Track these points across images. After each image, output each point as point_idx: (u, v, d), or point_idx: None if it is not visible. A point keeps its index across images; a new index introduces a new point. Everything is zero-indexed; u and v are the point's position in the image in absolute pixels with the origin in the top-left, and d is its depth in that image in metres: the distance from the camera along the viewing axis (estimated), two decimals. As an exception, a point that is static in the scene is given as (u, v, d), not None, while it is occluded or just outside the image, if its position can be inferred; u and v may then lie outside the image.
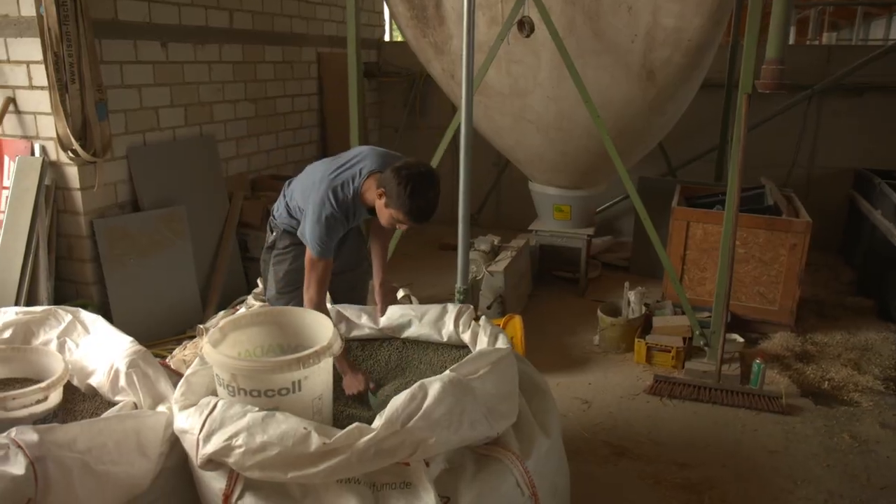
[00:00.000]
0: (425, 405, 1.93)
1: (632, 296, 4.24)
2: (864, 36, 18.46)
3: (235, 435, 1.87)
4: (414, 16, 4.29)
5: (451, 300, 4.88)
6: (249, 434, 1.86)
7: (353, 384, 2.53)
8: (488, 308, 4.30)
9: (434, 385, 1.99)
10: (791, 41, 10.67)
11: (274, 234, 3.14)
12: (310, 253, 2.70)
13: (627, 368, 3.98)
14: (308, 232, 2.70)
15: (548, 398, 2.50)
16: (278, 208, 3.09)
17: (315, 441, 1.83)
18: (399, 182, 2.46)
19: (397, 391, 2.38)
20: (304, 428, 1.85)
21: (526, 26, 3.73)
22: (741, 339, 4.09)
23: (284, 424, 1.87)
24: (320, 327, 2.32)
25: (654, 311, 4.33)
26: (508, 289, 4.39)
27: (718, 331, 3.74)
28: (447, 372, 2.09)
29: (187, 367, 3.33)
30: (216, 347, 2.15)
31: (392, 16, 4.50)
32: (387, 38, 7.54)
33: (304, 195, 2.81)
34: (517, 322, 3.71)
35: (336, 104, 6.05)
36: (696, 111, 5.01)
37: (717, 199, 4.63)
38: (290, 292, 3.07)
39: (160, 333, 4.03)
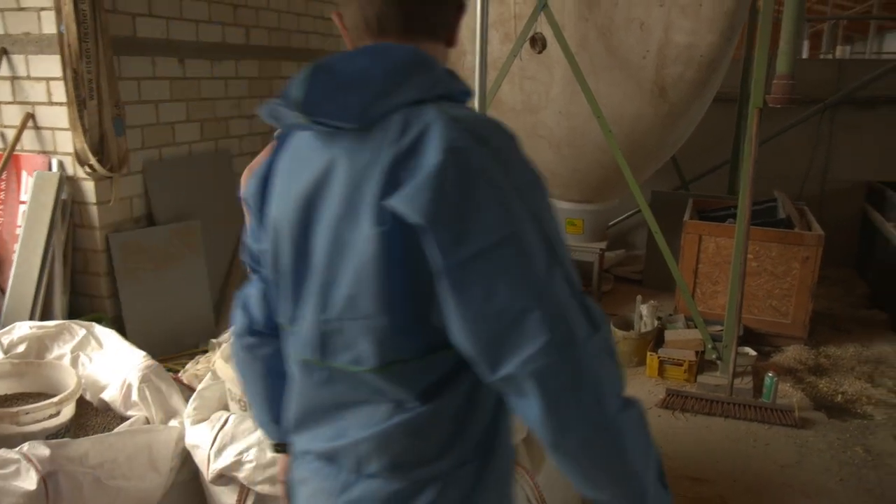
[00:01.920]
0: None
1: (644, 309, 4.23)
2: (878, 49, 18.42)
3: (246, 450, 1.89)
4: (425, 32, 4.33)
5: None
6: (260, 449, 1.88)
7: None
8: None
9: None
10: (805, 55, 10.65)
11: None
12: None
13: (640, 382, 3.97)
14: None
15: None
16: None
17: (325, 456, 1.84)
18: None
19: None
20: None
21: (538, 42, 3.76)
22: (753, 353, 4.08)
23: (295, 439, 1.88)
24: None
25: (666, 325, 4.32)
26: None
27: (730, 344, 3.73)
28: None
29: (199, 382, 3.40)
30: (228, 362, 2.18)
31: (404, 32, 4.54)
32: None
33: None
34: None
35: (349, 119, 6.10)
36: (708, 125, 5.02)
37: (730, 212, 4.62)
38: None
39: (173, 348, 4.06)
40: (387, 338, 0.97)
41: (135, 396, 2.35)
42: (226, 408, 2.18)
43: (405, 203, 0.89)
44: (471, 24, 4.15)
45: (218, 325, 4.34)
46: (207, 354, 3.74)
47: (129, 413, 2.38)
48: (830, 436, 3.36)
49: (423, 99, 0.97)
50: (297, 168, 1.06)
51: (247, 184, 1.20)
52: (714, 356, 3.88)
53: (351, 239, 0.95)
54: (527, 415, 0.94)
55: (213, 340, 3.94)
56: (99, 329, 2.69)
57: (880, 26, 18.20)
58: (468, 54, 4.31)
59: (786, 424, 3.43)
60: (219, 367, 2.12)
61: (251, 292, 1.29)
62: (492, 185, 0.90)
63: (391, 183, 0.91)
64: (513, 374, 0.90)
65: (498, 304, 0.89)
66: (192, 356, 3.96)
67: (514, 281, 0.89)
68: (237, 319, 1.29)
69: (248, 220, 1.22)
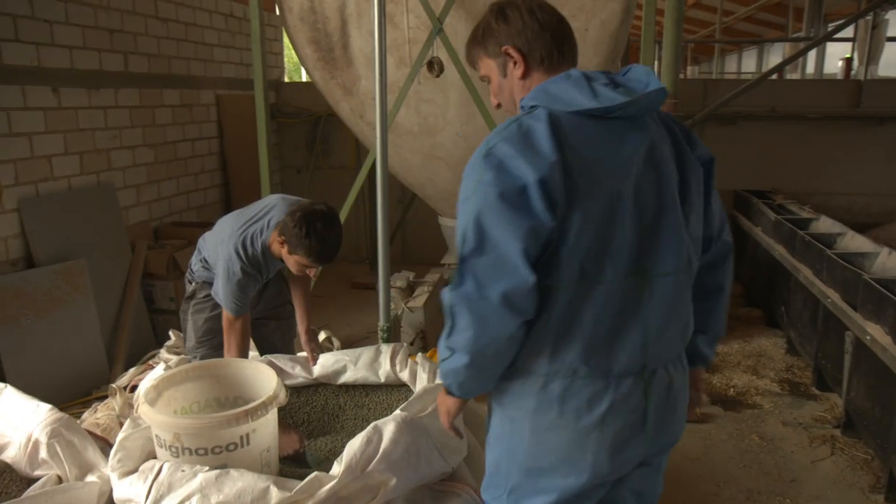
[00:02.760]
0: (382, 447, 1.92)
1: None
2: (721, 69, 20.25)
3: (188, 498, 1.79)
4: (321, 57, 4.31)
5: (368, 338, 4.89)
6: (203, 496, 1.79)
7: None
8: (411, 344, 4.31)
9: (388, 426, 1.99)
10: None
11: (193, 285, 3.03)
12: (226, 313, 2.63)
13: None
14: (221, 291, 2.62)
15: (491, 429, 2.54)
16: (195, 262, 2.99)
17: (275, 495, 1.78)
18: (295, 225, 2.43)
19: (334, 445, 2.36)
20: (263, 482, 1.80)
21: (436, 66, 3.83)
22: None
23: (241, 481, 1.81)
24: (262, 377, 2.27)
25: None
26: (428, 324, 4.42)
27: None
28: (397, 412, 2.09)
29: (101, 431, 3.16)
30: (153, 406, 2.06)
31: (299, 58, 4.49)
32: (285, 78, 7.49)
33: (215, 252, 2.73)
34: (442, 356, 3.74)
35: (238, 147, 5.93)
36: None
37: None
38: (210, 340, 2.95)
39: (64, 397, 3.75)
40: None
41: (43, 454, 2.15)
42: (153, 456, 2.05)
43: (704, 152, 1.67)
44: (366, 49, 4.18)
45: (112, 368, 4.06)
46: (107, 401, 3.50)
47: (37, 473, 2.18)
48: (729, 427, 3.62)
49: None
50: (612, 146, 1.46)
51: (536, 166, 1.37)
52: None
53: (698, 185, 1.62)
54: None
55: (114, 385, 3.70)
56: (-9, 384, 2.45)
57: (722, 49, 20.04)
58: (362, 79, 4.32)
59: (690, 420, 3.61)
60: (143, 411, 1.98)
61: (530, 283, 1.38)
62: None
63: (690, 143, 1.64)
64: None
65: None
66: (86, 404, 3.69)
67: None
68: (525, 310, 1.41)
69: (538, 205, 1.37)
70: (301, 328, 2.95)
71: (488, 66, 1.63)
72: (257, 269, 2.62)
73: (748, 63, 20.25)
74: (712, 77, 15.95)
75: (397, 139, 4.49)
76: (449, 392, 1.57)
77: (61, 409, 3.57)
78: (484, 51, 1.62)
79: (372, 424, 1.99)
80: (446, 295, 1.42)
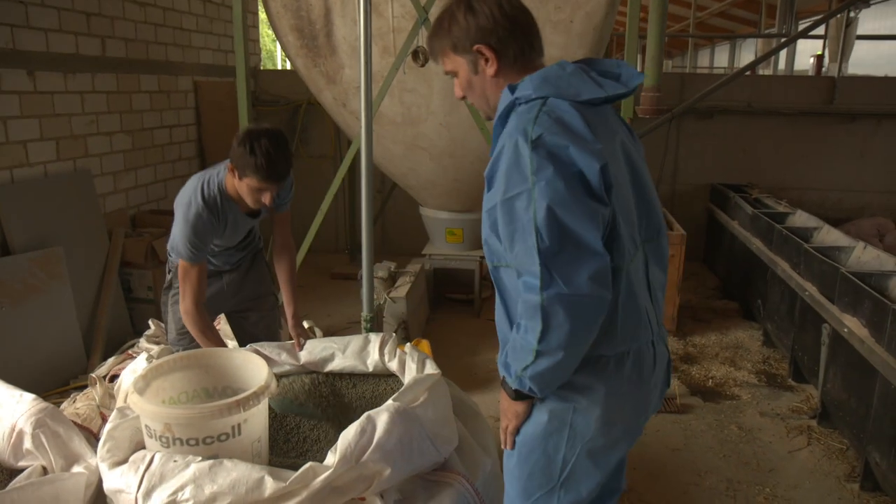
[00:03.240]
0: (376, 437, 1.92)
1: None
2: (695, 63, 20.49)
3: (181, 489, 1.77)
4: (304, 45, 4.26)
5: (349, 329, 4.87)
6: (197, 486, 1.77)
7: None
8: (393, 334, 4.29)
9: (381, 416, 1.98)
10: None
11: (171, 273, 2.98)
12: (182, 262, 2.56)
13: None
14: (178, 236, 2.55)
15: (481, 420, 2.56)
16: (171, 243, 2.94)
17: (270, 485, 1.77)
18: (240, 143, 2.39)
19: (320, 433, 2.35)
20: (258, 472, 1.79)
21: (420, 56, 3.82)
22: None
23: (235, 472, 1.79)
24: (252, 366, 2.25)
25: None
26: (410, 314, 4.42)
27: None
28: (390, 402, 2.09)
29: (81, 421, 3.11)
30: (142, 396, 2.03)
31: (281, 45, 4.44)
32: (261, 66, 7.39)
33: (177, 208, 2.64)
34: (425, 346, 3.74)
35: (215, 134, 5.85)
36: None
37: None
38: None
39: (41, 387, 3.67)
40: None
41: (28, 444, 2.11)
42: (141, 446, 2.02)
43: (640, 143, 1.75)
44: (350, 38, 4.14)
45: (90, 358, 4.00)
46: (86, 391, 3.44)
47: (21, 464, 2.14)
48: (708, 417, 3.68)
49: None
50: (608, 132, 1.53)
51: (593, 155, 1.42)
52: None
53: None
54: None
55: (93, 375, 3.64)
56: (-29, 374, 2.39)
57: (696, 44, 20.26)
58: (346, 68, 4.29)
59: (670, 412, 3.70)
60: (133, 401, 1.95)
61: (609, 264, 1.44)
62: None
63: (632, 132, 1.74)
64: None
65: None
66: (63, 394, 3.63)
67: None
68: (610, 289, 1.45)
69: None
70: (288, 312, 2.92)
71: (456, 62, 1.62)
72: (214, 212, 2.56)
73: (720, 58, 20.53)
74: (686, 71, 16.15)
75: (380, 129, 4.46)
76: (529, 395, 1.58)
77: (38, 400, 3.53)
78: (452, 47, 1.60)
79: (365, 414, 1.98)
80: (533, 298, 1.40)
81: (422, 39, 3.86)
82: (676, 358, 4.36)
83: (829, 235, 4.35)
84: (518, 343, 1.49)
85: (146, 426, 1.98)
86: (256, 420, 2.05)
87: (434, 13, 3.85)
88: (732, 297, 5.43)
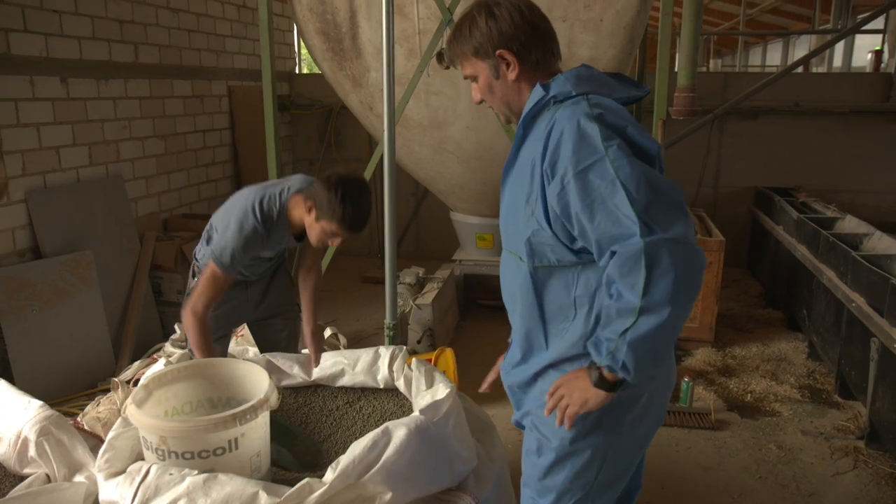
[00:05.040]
0: (385, 455, 1.83)
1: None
2: (745, 62, 19.90)
3: (174, 502, 1.72)
4: (330, 48, 4.23)
5: (377, 334, 4.82)
6: (190, 500, 1.72)
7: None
8: (418, 342, 4.23)
9: (398, 431, 1.89)
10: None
11: (196, 278, 2.96)
12: (213, 265, 2.50)
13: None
14: (223, 241, 2.49)
15: (493, 433, 2.46)
16: (200, 250, 2.92)
17: (264, 501, 1.71)
18: (329, 188, 2.32)
19: (330, 447, 2.29)
20: (252, 487, 1.73)
21: (445, 58, 3.73)
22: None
23: (229, 486, 1.74)
24: (254, 378, 2.20)
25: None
26: (437, 321, 4.34)
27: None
28: (415, 414, 2.01)
29: (102, 425, 3.12)
30: (141, 407, 1.99)
31: (308, 49, 4.42)
32: (297, 70, 7.43)
33: (227, 215, 2.59)
34: (449, 356, 3.66)
35: (249, 138, 5.89)
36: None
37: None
38: (214, 339, 2.89)
39: (69, 389, 3.74)
40: None
41: (32, 452, 2.10)
42: (141, 456, 1.98)
43: None
44: (375, 40, 4.09)
45: (118, 361, 4.04)
46: (109, 394, 3.46)
47: (27, 471, 2.14)
48: (745, 435, 3.49)
49: None
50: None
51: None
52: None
53: None
54: None
55: (115, 379, 3.66)
56: (-16, 378, 2.41)
57: (746, 42, 19.68)
58: (371, 70, 4.24)
59: (704, 427, 3.53)
60: (130, 413, 1.92)
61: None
62: None
63: None
64: None
65: None
66: (90, 397, 3.66)
67: None
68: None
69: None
70: (306, 329, 2.86)
71: (477, 67, 1.64)
72: (268, 230, 2.50)
73: (773, 56, 19.86)
74: (735, 70, 15.67)
75: (406, 132, 4.40)
76: (614, 385, 1.46)
77: (66, 401, 3.59)
78: (473, 52, 1.61)
79: (384, 425, 1.90)
80: (632, 246, 1.33)
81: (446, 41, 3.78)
82: (713, 370, 4.17)
83: (881, 242, 4.10)
84: (613, 309, 1.39)
85: (143, 438, 1.95)
86: (255, 434, 1.99)
87: (458, 14, 3.77)
88: (776, 306, 5.19)
